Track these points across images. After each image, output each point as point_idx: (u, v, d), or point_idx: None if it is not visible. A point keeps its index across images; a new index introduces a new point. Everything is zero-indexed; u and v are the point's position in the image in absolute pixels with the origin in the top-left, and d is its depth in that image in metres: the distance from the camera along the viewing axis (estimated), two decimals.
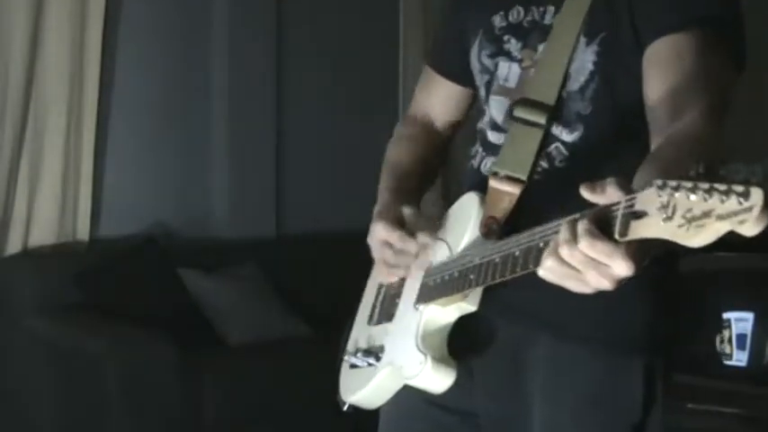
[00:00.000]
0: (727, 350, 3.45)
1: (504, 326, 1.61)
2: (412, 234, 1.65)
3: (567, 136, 1.59)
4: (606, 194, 1.21)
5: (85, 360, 3.76)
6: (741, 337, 3.43)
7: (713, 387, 3.35)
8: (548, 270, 1.25)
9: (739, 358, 3.42)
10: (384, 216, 1.69)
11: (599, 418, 1.59)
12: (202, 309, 4.20)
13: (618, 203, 1.19)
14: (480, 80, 1.73)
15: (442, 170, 1.95)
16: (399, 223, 1.67)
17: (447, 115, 1.89)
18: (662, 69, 1.50)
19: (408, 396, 1.64)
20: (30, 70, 4.11)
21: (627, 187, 1.20)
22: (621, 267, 1.19)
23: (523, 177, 1.58)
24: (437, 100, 1.89)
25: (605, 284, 1.22)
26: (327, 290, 4.47)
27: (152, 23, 4.59)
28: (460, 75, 1.80)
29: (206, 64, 4.76)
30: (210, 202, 4.81)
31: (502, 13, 1.68)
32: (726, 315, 3.46)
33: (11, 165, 4.09)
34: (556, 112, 1.58)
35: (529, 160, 1.58)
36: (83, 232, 4.29)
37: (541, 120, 1.58)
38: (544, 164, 1.60)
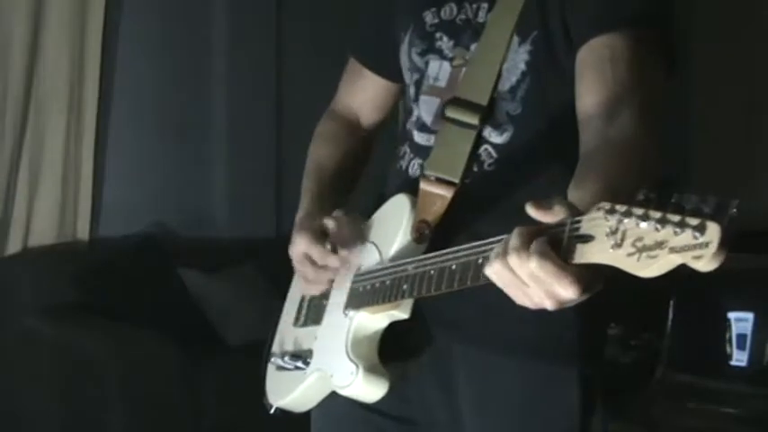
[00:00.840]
0: (728, 350, 3.45)
1: (435, 334, 1.56)
2: (335, 247, 1.61)
3: (497, 137, 1.54)
4: (553, 212, 1.17)
5: (85, 360, 3.75)
6: (741, 337, 3.43)
7: (713, 387, 3.35)
8: (493, 274, 1.21)
9: (739, 358, 3.42)
10: (306, 226, 1.64)
11: (534, 424, 1.55)
12: (202, 309, 4.20)
13: (563, 225, 1.15)
14: (409, 78, 1.67)
15: (366, 170, 1.88)
16: (322, 234, 1.62)
17: (373, 111, 1.84)
18: (594, 71, 1.45)
19: (344, 400, 1.59)
20: (30, 70, 4.11)
21: (572, 207, 1.17)
22: (567, 291, 1.15)
23: (456, 180, 1.54)
24: (363, 95, 1.83)
25: (547, 304, 1.18)
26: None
27: (152, 24, 4.59)
28: (389, 69, 1.74)
29: (206, 64, 4.76)
30: (210, 202, 4.81)
31: (434, 9, 1.63)
32: (726, 315, 3.46)
33: (11, 165, 4.09)
34: (488, 113, 1.54)
35: (461, 162, 1.54)
36: (83, 232, 4.29)
37: (474, 121, 1.54)
38: (474, 167, 1.55)
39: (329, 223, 1.62)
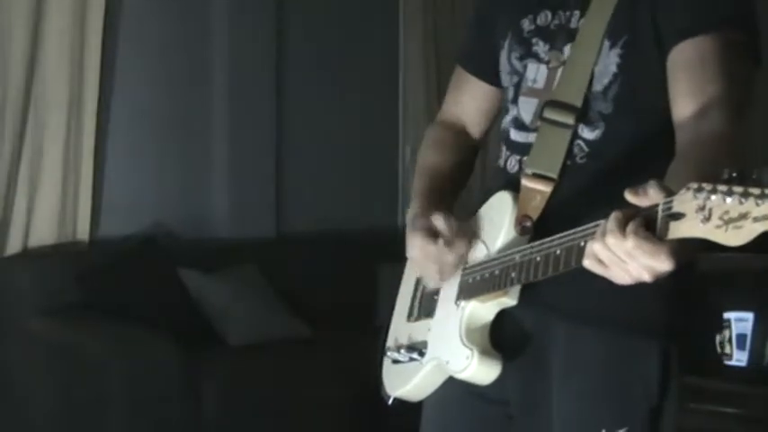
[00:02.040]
0: (727, 350, 3.45)
1: (526, 316, 1.67)
2: (449, 243, 1.70)
3: (589, 134, 1.66)
4: (648, 196, 1.30)
5: (85, 360, 3.75)
6: (741, 337, 3.43)
7: (713, 387, 3.35)
8: (593, 255, 1.35)
9: (739, 358, 3.42)
10: (419, 227, 1.73)
11: (618, 400, 1.63)
12: (202, 309, 4.20)
13: (656, 205, 1.29)
14: (509, 81, 1.78)
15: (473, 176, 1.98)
16: (434, 234, 1.71)
17: (479, 117, 1.93)
18: (686, 72, 1.58)
19: (449, 387, 1.73)
20: (30, 70, 4.11)
21: (666, 189, 1.29)
22: (663, 264, 1.30)
23: (554, 176, 1.65)
24: (469, 101, 1.92)
25: (645, 277, 1.33)
26: (327, 290, 4.48)
27: (152, 23, 4.59)
28: (492, 74, 1.85)
29: (206, 64, 4.76)
30: (210, 202, 4.81)
31: (531, 16, 1.75)
32: (726, 315, 3.46)
33: (11, 165, 4.09)
34: (582, 113, 1.66)
35: (559, 159, 1.66)
36: (83, 232, 4.29)
37: (569, 120, 1.66)
38: (568, 161, 1.66)
39: (438, 222, 1.71)
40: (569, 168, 1.66)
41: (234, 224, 4.79)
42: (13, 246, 4.13)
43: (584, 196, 1.63)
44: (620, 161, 1.63)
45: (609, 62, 1.64)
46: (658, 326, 1.64)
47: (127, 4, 4.47)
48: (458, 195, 1.88)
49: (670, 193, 1.29)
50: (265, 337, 4.14)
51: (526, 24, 1.76)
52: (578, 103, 1.65)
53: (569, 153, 1.66)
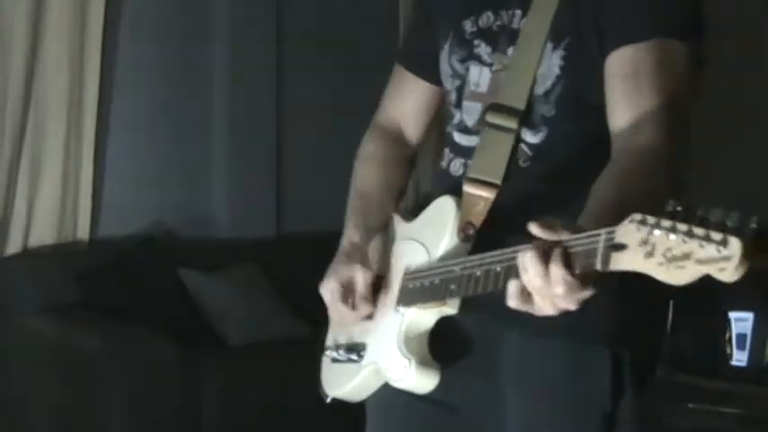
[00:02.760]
0: (728, 350, 3.45)
1: (475, 323, 1.64)
2: (361, 300, 1.70)
3: (532, 137, 1.63)
4: (556, 232, 1.31)
5: (85, 360, 3.75)
6: (741, 337, 3.43)
7: (713, 387, 3.35)
8: (515, 297, 1.35)
9: (739, 358, 3.42)
10: (339, 275, 1.73)
11: (569, 408, 1.61)
12: (202, 309, 4.21)
13: (597, 234, 1.27)
14: (451, 84, 1.75)
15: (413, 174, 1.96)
16: (349, 288, 1.72)
17: (418, 118, 1.90)
18: (621, 81, 1.55)
19: (391, 389, 1.68)
20: (30, 70, 4.11)
21: (575, 227, 1.31)
22: (589, 293, 1.32)
23: (498, 182, 1.63)
24: (410, 101, 1.89)
25: (572, 307, 1.34)
26: None
27: (152, 23, 4.59)
28: (433, 73, 1.81)
29: (206, 64, 4.76)
30: (210, 202, 4.81)
31: (472, 18, 1.71)
32: (726, 315, 3.46)
33: (11, 165, 4.09)
34: (526, 116, 1.63)
35: (502, 165, 1.63)
36: (83, 232, 4.29)
37: (512, 124, 1.63)
38: (511, 166, 1.64)
39: (358, 278, 1.71)
40: (512, 173, 1.63)
41: (234, 224, 4.79)
42: (13, 246, 4.13)
43: (527, 201, 1.61)
44: (564, 164, 1.61)
45: (551, 64, 1.61)
46: (606, 330, 1.60)
47: (127, 5, 4.47)
48: (395, 208, 1.85)
49: (578, 230, 1.30)
50: (265, 337, 4.14)
51: (468, 26, 1.72)
52: (521, 106, 1.62)
53: (512, 158, 1.63)
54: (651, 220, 1.19)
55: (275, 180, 4.96)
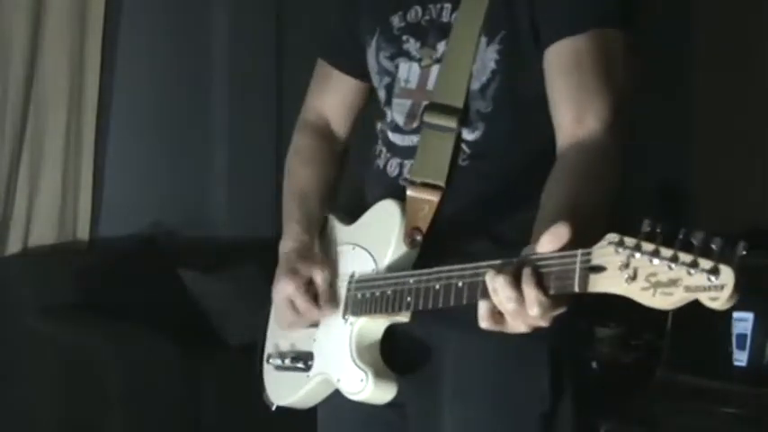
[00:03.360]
0: (728, 350, 3.45)
1: (418, 325, 1.60)
2: (322, 301, 1.66)
3: (469, 135, 1.59)
4: (561, 238, 1.26)
5: (85, 360, 3.75)
6: (741, 337, 3.43)
7: (713, 387, 3.35)
8: (488, 319, 1.32)
9: (739, 358, 3.42)
10: (294, 272, 1.69)
11: (507, 407, 1.58)
12: (202, 309, 4.20)
13: (573, 255, 1.22)
14: (379, 82, 1.71)
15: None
16: (309, 283, 1.67)
17: (344, 114, 1.86)
18: (562, 75, 1.52)
19: (340, 393, 1.65)
20: (30, 70, 4.11)
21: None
22: (562, 310, 1.29)
23: (441, 183, 1.59)
24: (335, 98, 1.85)
25: (545, 323, 1.30)
26: None
27: (152, 23, 4.59)
28: (359, 70, 1.77)
29: (206, 64, 4.76)
30: (210, 202, 4.81)
31: (400, 13, 1.67)
32: (726, 315, 3.46)
33: (11, 165, 4.09)
34: (465, 114, 1.59)
35: (445, 165, 1.59)
36: (83, 232, 4.29)
37: (452, 124, 1.59)
38: (452, 166, 1.60)
39: (318, 278, 1.67)
40: (455, 174, 1.59)
41: (234, 224, 4.79)
42: (13, 246, 4.13)
43: (472, 201, 1.58)
44: (504, 160, 1.58)
45: (486, 59, 1.57)
46: (544, 329, 1.53)
47: (127, 5, 4.47)
48: (330, 205, 1.82)
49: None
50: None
51: (396, 21, 1.67)
52: (459, 104, 1.58)
53: (454, 158, 1.59)
54: (629, 241, 1.15)
55: (275, 180, 4.96)
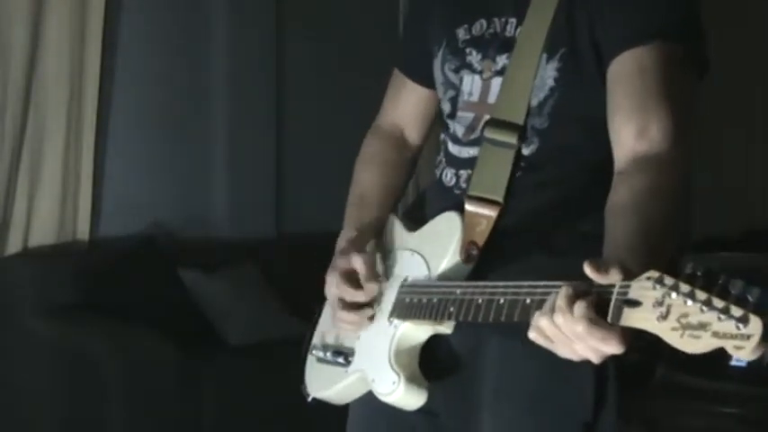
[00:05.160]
0: None
1: (457, 331, 1.61)
2: (365, 281, 1.67)
3: (525, 149, 1.61)
4: (608, 275, 1.25)
5: (85, 360, 3.76)
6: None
7: (713, 387, 3.35)
8: (539, 330, 1.31)
9: (739, 358, 3.42)
10: (340, 267, 1.70)
11: (549, 415, 1.58)
12: (202, 309, 4.21)
13: (612, 286, 1.23)
14: (444, 94, 1.74)
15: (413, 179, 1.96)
16: (352, 275, 1.69)
17: (418, 123, 1.89)
18: (624, 86, 1.52)
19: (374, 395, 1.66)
20: (30, 70, 4.11)
21: (627, 272, 1.25)
22: (614, 349, 1.27)
23: (499, 199, 1.60)
24: (408, 106, 1.88)
25: (592, 358, 1.29)
26: None
27: (152, 23, 4.59)
28: (429, 79, 1.80)
29: (206, 64, 4.76)
30: (210, 202, 4.81)
31: (466, 26, 1.69)
32: None
33: (11, 165, 4.09)
34: (524, 131, 1.60)
35: (503, 181, 1.60)
36: (83, 232, 4.29)
37: (512, 140, 1.60)
38: (511, 181, 1.61)
39: (356, 264, 1.68)
40: (512, 188, 1.60)
41: (234, 224, 4.79)
42: (13, 246, 4.13)
43: (529, 216, 1.59)
44: (558, 171, 1.59)
45: (546, 76, 1.59)
46: None
47: (126, 6, 4.48)
48: (393, 209, 1.83)
49: (629, 275, 1.24)
50: (265, 337, 4.14)
51: (461, 33, 1.69)
52: (520, 120, 1.59)
53: (512, 173, 1.60)
54: (669, 281, 1.16)
55: (275, 180, 4.96)
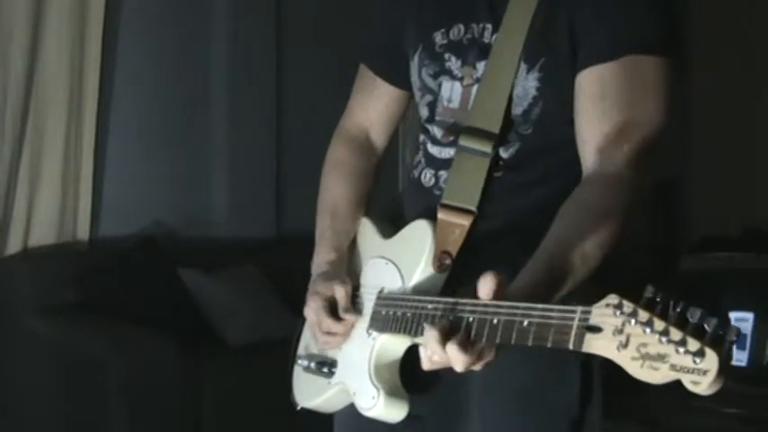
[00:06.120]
0: None
1: None
2: (343, 312, 1.69)
3: (504, 152, 1.60)
4: (484, 283, 1.32)
5: (85, 360, 3.75)
6: (741, 337, 3.43)
7: None
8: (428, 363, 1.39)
9: (739, 358, 3.42)
10: (320, 292, 1.71)
11: (535, 412, 1.59)
12: (202, 309, 4.20)
13: (573, 311, 1.22)
14: (421, 98, 1.73)
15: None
16: (332, 304, 1.70)
17: (385, 125, 1.88)
18: (589, 101, 1.52)
19: None
20: (30, 70, 4.11)
21: (500, 286, 1.32)
22: (489, 358, 1.36)
23: (473, 208, 1.59)
24: (377, 106, 1.86)
25: (478, 368, 1.38)
26: None
27: (152, 23, 4.59)
28: (403, 79, 1.78)
29: (206, 64, 4.76)
30: (210, 202, 4.81)
31: (443, 30, 1.67)
32: (726, 315, 3.46)
33: (11, 165, 4.09)
34: (501, 139, 1.59)
35: (477, 190, 1.59)
36: (83, 232, 4.29)
37: (487, 148, 1.59)
38: (485, 189, 1.60)
39: (338, 294, 1.69)
40: (491, 191, 1.60)
41: (234, 224, 4.79)
42: (13, 246, 4.13)
43: (503, 223, 1.58)
44: (536, 170, 1.59)
45: (528, 86, 1.58)
46: None
47: (126, 5, 4.48)
48: (362, 217, 1.83)
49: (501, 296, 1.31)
50: (265, 337, 4.14)
51: (438, 38, 1.68)
52: (496, 129, 1.58)
53: (487, 179, 1.59)
54: (627, 308, 1.14)
55: (275, 180, 4.96)
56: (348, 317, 1.67)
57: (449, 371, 1.57)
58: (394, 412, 1.59)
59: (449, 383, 1.62)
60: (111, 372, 3.68)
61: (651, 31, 1.53)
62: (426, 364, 1.38)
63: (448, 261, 1.58)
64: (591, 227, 1.42)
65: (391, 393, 1.59)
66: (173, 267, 4.23)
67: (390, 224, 1.75)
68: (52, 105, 4.18)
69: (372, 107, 1.87)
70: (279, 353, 4.36)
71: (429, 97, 1.70)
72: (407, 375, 1.62)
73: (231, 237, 4.73)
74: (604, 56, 1.51)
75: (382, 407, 1.58)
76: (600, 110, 1.50)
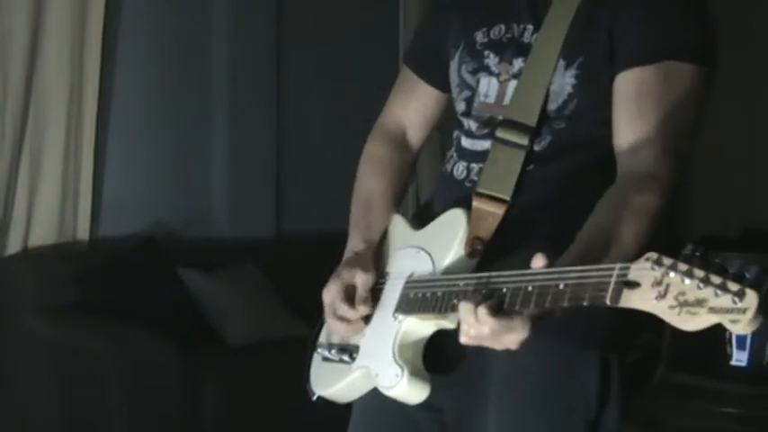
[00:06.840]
0: (728, 350, 3.45)
1: None
2: (360, 302, 1.72)
3: (537, 145, 1.65)
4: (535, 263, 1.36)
5: (85, 360, 3.76)
6: (741, 337, 3.43)
7: (713, 387, 3.35)
8: (466, 336, 1.43)
9: (739, 358, 3.42)
10: (342, 278, 1.74)
11: (553, 411, 1.61)
12: (202, 309, 4.21)
13: (611, 268, 1.26)
14: (459, 94, 1.78)
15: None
16: (352, 289, 1.73)
17: (423, 123, 1.92)
18: (625, 103, 1.58)
19: (382, 394, 1.67)
20: (30, 70, 4.11)
21: (551, 261, 1.35)
22: (521, 335, 1.39)
23: (507, 197, 1.63)
24: (416, 106, 1.91)
25: (513, 347, 1.42)
26: None
27: (152, 23, 4.59)
28: (443, 81, 1.83)
29: (206, 64, 4.76)
30: (210, 202, 4.81)
31: (485, 29, 1.74)
32: None
33: (11, 165, 4.09)
34: (536, 132, 1.64)
35: (512, 180, 1.64)
36: (83, 232, 4.29)
37: (524, 141, 1.64)
38: (520, 180, 1.65)
39: (358, 281, 1.73)
40: (523, 183, 1.64)
41: (234, 224, 4.79)
42: (13, 246, 4.13)
43: (535, 212, 1.62)
44: (567, 163, 1.64)
45: (564, 82, 1.63)
46: (597, 335, 1.62)
47: (126, 5, 4.48)
48: (390, 216, 1.86)
49: (551, 264, 1.34)
50: (265, 337, 4.14)
51: (480, 37, 1.74)
52: (532, 122, 1.64)
53: (523, 169, 1.64)
54: (667, 261, 1.18)
55: (275, 180, 4.96)
56: (362, 307, 1.70)
57: (471, 362, 1.63)
58: (415, 393, 1.61)
59: (469, 377, 1.64)
60: (111, 372, 3.69)
61: (690, 39, 1.59)
62: (463, 338, 1.42)
63: (479, 247, 1.61)
64: (628, 221, 1.46)
65: (414, 373, 1.60)
66: (173, 267, 4.23)
67: (421, 220, 1.78)
68: (52, 105, 4.18)
69: (412, 107, 1.91)
70: (279, 353, 4.38)
71: (467, 93, 1.76)
72: (429, 365, 1.63)
73: (231, 237, 4.73)
74: (643, 59, 1.56)
75: (405, 385, 1.60)
76: (636, 110, 1.56)
